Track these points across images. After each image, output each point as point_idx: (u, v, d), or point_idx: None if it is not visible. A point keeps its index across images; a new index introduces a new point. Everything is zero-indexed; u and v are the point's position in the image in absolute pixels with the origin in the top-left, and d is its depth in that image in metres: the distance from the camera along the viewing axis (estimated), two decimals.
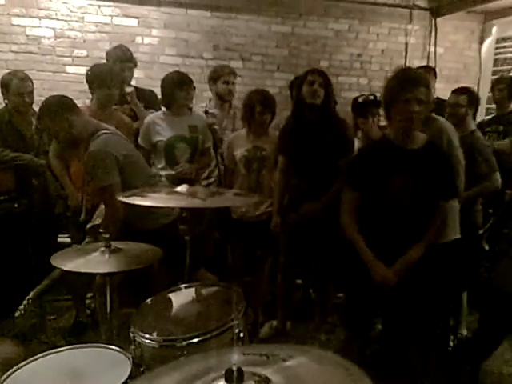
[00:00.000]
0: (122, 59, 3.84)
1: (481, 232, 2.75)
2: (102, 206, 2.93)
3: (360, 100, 3.50)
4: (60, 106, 2.73)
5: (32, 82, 3.59)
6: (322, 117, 3.14)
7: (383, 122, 3.97)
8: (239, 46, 5.14)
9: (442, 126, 2.95)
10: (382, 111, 3.71)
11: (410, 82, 2.29)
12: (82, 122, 2.76)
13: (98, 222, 2.92)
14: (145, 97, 3.95)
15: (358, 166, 2.56)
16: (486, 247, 2.36)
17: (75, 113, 2.74)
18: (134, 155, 2.94)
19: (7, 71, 3.69)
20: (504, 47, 5.61)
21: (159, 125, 3.48)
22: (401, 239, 2.37)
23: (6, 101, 3.59)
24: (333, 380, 1.04)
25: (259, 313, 3.63)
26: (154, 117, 3.54)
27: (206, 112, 3.90)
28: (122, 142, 2.88)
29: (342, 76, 5.40)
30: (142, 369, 1.76)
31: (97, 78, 3.35)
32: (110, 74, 3.39)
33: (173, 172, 3.47)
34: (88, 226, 2.97)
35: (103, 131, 2.77)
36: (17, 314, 2.84)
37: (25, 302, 2.84)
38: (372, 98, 3.52)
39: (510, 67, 5.40)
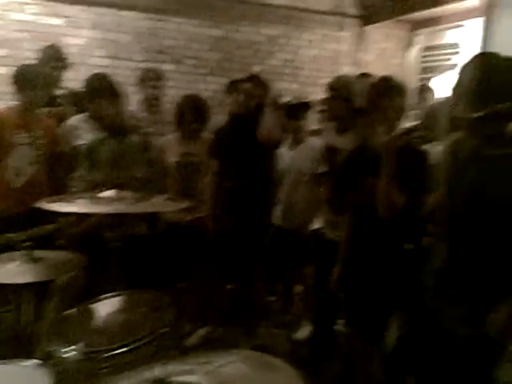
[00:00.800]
0: (55, 58, 3.70)
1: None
2: None
3: (293, 102, 3.53)
4: None
5: None
6: (255, 126, 3.14)
7: (314, 126, 4.05)
8: (171, 48, 5.07)
9: None
10: (311, 115, 3.81)
11: (389, 90, 2.35)
12: None
13: None
14: (76, 99, 3.81)
15: (346, 171, 2.62)
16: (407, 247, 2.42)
17: None
18: None
19: None
20: (429, 56, 5.86)
21: (81, 128, 3.33)
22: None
23: None
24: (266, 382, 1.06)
25: (189, 320, 3.58)
26: (75, 119, 3.39)
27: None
28: None
29: (275, 81, 5.44)
30: None
31: (21, 79, 3.20)
32: (36, 76, 3.24)
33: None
34: None
35: None
36: None
37: None
38: (303, 101, 3.56)
39: (434, 75, 5.63)
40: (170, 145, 3.48)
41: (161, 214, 3.43)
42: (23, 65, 3.37)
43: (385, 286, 2.41)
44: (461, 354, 1.82)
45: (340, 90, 2.92)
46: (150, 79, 3.91)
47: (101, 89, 3.30)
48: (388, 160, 2.24)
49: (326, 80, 3.21)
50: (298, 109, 3.52)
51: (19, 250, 2.13)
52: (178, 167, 3.42)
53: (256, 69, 5.25)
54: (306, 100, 3.70)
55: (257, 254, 3.35)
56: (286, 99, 3.70)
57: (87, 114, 3.43)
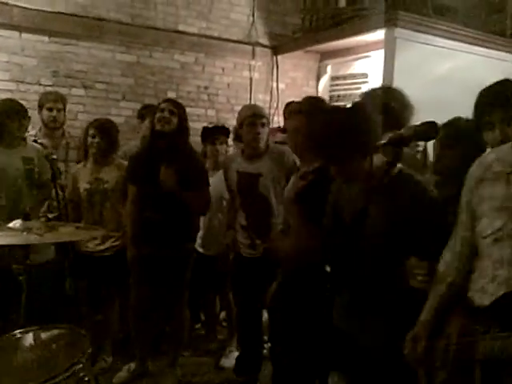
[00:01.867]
0: None
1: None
2: None
3: (210, 126, 3.56)
4: None
5: None
6: (173, 145, 3.04)
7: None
8: (81, 73, 4.88)
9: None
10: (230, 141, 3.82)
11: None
12: None
13: None
14: None
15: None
16: (328, 269, 2.46)
17: None
18: None
19: None
20: (337, 85, 6.10)
21: None
22: None
23: None
24: None
25: (110, 354, 3.39)
26: None
27: (35, 141, 3.63)
28: None
29: (190, 107, 5.38)
30: None
31: None
32: None
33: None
34: None
35: None
36: None
37: None
38: (219, 125, 3.59)
39: (343, 103, 5.87)
40: (81, 172, 3.34)
41: (73, 244, 3.24)
42: None
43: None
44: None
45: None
46: (49, 101, 3.76)
47: (11, 110, 3.15)
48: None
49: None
50: (217, 133, 3.51)
51: None
52: (88, 194, 3.28)
53: (171, 94, 5.19)
54: (222, 124, 3.73)
55: (180, 282, 3.22)
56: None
57: None
